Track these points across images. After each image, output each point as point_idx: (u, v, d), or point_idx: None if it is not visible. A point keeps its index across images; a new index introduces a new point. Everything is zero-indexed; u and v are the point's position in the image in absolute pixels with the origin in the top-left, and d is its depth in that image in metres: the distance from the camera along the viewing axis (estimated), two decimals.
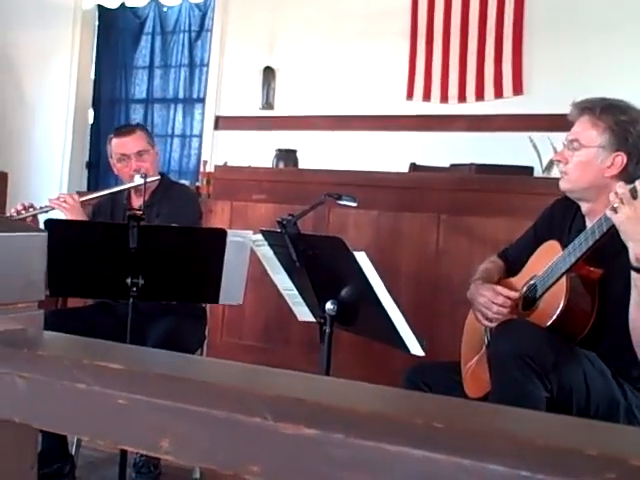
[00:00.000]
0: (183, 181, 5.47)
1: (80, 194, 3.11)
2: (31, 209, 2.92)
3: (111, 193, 3.15)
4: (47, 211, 2.95)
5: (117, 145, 3.14)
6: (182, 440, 0.64)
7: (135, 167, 3.06)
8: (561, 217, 2.33)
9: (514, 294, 2.24)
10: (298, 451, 0.58)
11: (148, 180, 3.04)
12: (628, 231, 1.87)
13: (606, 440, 0.54)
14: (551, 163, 4.32)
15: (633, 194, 1.85)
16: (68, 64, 6.79)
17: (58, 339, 0.81)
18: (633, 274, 1.90)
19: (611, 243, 1.98)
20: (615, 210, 1.87)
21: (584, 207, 2.22)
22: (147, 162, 3.11)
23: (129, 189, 3.12)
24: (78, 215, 2.95)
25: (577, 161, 2.15)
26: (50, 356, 0.73)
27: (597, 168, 2.12)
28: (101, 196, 3.18)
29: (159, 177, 3.14)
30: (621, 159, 2.09)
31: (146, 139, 3.17)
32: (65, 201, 2.97)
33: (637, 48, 4.75)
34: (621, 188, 1.88)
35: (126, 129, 3.23)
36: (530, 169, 4.57)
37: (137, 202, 3.10)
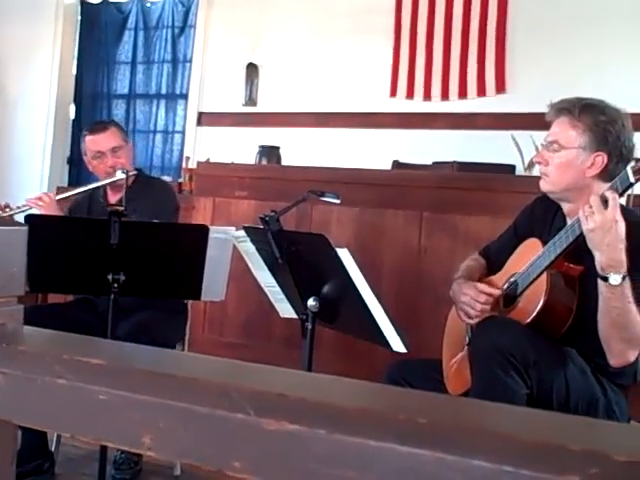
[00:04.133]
0: (165, 177, 5.45)
1: (60, 190, 3.09)
2: (7, 209, 2.91)
3: (89, 189, 3.13)
4: (24, 211, 2.94)
5: (91, 142, 3.12)
6: (164, 436, 0.63)
7: (111, 163, 3.05)
8: (542, 215, 2.33)
9: (496, 291, 2.25)
10: (281, 447, 0.58)
11: (122, 177, 3.02)
12: (595, 240, 1.90)
13: (589, 436, 0.54)
14: (533, 161, 4.34)
15: (603, 202, 1.87)
16: (50, 59, 6.74)
17: (38, 334, 0.80)
18: (599, 282, 1.93)
19: None
20: (586, 218, 1.89)
21: (565, 207, 2.23)
22: (122, 158, 3.10)
23: (105, 185, 3.10)
24: (53, 212, 2.95)
25: (558, 162, 2.16)
26: (30, 351, 0.72)
27: (578, 169, 2.13)
28: (79, 193, 3.16)
29: (136, 172, 3.13)
30: (601, 159, 2.10)
31: (120, 135, 3.16)
32: (41, 199, 2.96)
33: (619, 47, 4.78)
34: (595, 197, 1.90)
35: (99, 126, 3.20)
36: (512, 167, 4.59)
37: (114, 198, 3.10)
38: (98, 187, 3.12)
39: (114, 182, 3.00)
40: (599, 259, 1.91)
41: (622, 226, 1.89)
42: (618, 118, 2.12)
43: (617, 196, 1.90)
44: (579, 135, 2.12)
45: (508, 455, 0.50)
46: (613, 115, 2.12)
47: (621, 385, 2.14)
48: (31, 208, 2.98)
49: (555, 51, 4.96)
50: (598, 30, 4.84)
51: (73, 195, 3.17)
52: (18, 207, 2.95)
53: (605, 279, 1.91)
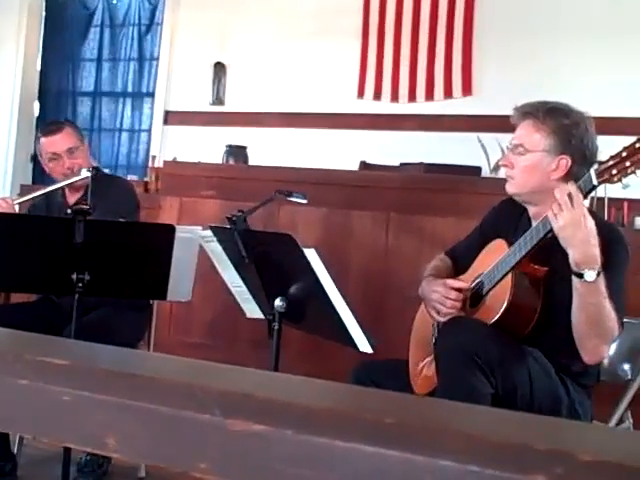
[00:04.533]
0: (131, 176, 5.40)
1: (21, 193, 3.03)
2: None
3: (51, 191, 3.06)
4: None
5: (47, 144, 3.06)
6: (128, 437, 0.62)
7: (68, 165, 3.00)
8: (507, 217, 2.35)
9: (465, 285, 2.26)
10: (247, 448, 0.58)
11: (81, 177, 2.97)
12: (567, 237, 1.92)
13: (554, 435, 0.55)
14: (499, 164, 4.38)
15: (571, 200, 1.89)
16: (14, 55, 6.65)
17: None
18: (574, 279, 1.94)
19: (556, 242, 2.02)
20: (555, 217, 1.91)
21: (531, 210, 2.25)
22: (79, 158, 3.04)
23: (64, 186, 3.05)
24: None
25: (523, 166, 2.18)
26: None
27: (543, 172, 2.15)
28: (40, 195, 3.09)
29: (89, 175, 3.07)
30: (565, 162, 2.13)
31: (75, 135, 3.10)
32: None
33: (585, 51, 4.84)
34: (560, 193, 1.91)
35: (54, 127, 3.13)
36: (478, 169, 4.63)
37: (73, 198, 3.05)
38: (58, 188, 3.07)
39: (75, 182, 2.96)
40: (573, 256, 1.92)
41: (592, 222, 1.91)
42: (582, 121, 2.15)
43: (580, 194, 1.92)
44: (543, 138, 2.14)
45: (474, 455, 0.50)
46: (577, 118, 2.15)
47: (585, 385, 2.17)
48: None
49: (521, 54, 5.01)
50: (564, 34, 4.90)
51: (34, 198, 3.10)
52: None
53: (580, 276, 1.92)
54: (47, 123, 3.51)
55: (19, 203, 2.98)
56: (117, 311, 2.88)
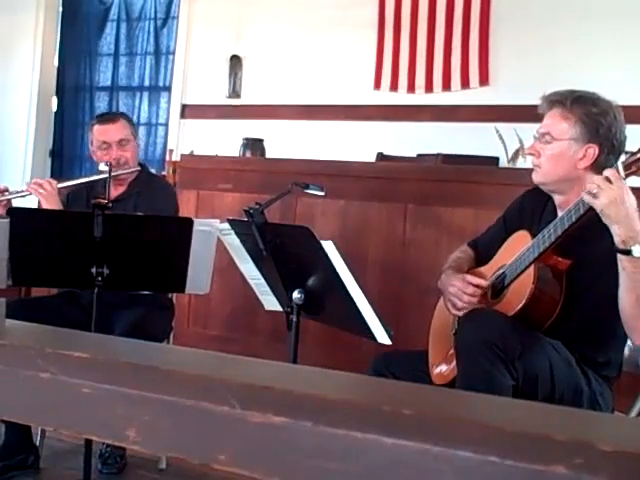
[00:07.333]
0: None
1: (58, 181, 3.03)
2: (6, 193, 2.86)
3: (89, 182, 3.07)
4: (23, 196, 2.90)
5: (99, 132, 3.08)
6: (149, 429, 0.63)
7: (116, 156, 3.02)
8: (531, 207, 2.34)
9: (484, 282, 2.25)
10: (266, 440, 0.58)
11: (128, 171, 3.02)
12: (612, 214, 1.88)
13: (574, 426, 0.54)
14: (516, 154, 4.36)
15: (608, 179, 1.87)
16: (31, 51, 6.68)
17: (20, 327, 0.79)
18: (620, 257, 1.91)
19: (580, 234, 2.00)
20: (595, 196, 1.88)
21: (557, 199, 2.23)
22: (128, 152, 3.06)
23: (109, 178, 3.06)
24: (54, 202, 2.88)
25: (550, 154, 2.16)
26: (13, 345, 0.71)
27: (570, 160, 2.13)
28: (81, 183, 3.10)
29: (139, 168, 3.10)
30: (593, 151, 2.10)
31: (129, 128, 3.12)
32: (42, 186, 2.90)
33: (602, 39, 4.80)
34: (598, 177, 1.89)
35: (109, 116, 3.18)
36: (496, 159, 4.61)
37: (116, 192, 3.07)
38: (99, 179, 3.07)
39: (120, 175, 2.99)
40: (619, 233, 1.88)
41: (632, 197, 1.89)
42: (610, 110, 2.12)
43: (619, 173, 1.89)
44: (571, 127, 2.12)
45: (493, 446, 0.50)
46: (605, 107, 2.12)
47: (606, 377, 2.15)
48: (30, 194, 2.93)
49: (538, 43, 4.97)
50: (581, 23, 4.86)
51: (73, 186, 3.11)
52: (17, 192, 2.91)
53: (628, 252, 1.88)
54: (104, 113, 3.54)
55: (61, 188, 2.97)
56: (150, 311, 2.90)
